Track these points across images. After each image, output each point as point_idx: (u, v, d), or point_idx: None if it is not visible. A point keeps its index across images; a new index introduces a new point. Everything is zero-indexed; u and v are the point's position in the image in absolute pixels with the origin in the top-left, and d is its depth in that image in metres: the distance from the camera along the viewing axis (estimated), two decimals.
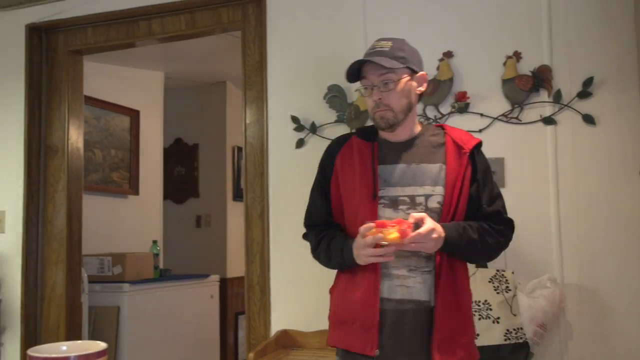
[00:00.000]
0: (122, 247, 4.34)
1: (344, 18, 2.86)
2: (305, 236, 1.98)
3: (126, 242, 4.48)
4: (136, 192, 4.78)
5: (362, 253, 1.69)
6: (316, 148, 2.83)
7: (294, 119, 2.87)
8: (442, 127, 1.89)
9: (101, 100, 4.45)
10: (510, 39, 2.61)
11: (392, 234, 1.59)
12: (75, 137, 3.51)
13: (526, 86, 2.55)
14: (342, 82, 2.79)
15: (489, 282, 2.36)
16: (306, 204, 1.97)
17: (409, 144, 1.83)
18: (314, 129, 2.85)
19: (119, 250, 4.18)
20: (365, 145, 1.85)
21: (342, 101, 2.80)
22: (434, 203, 1.75)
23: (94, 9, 3.28)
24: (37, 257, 3.43)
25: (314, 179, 2.78)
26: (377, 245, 1.66)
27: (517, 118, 2.59)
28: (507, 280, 2.36)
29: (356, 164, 1.83)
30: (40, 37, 3.49)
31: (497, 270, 2.39)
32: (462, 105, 2.63)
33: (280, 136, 2.93)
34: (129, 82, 4.80)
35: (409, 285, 1.74)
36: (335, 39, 2.87)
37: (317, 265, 2.77)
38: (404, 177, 1.78)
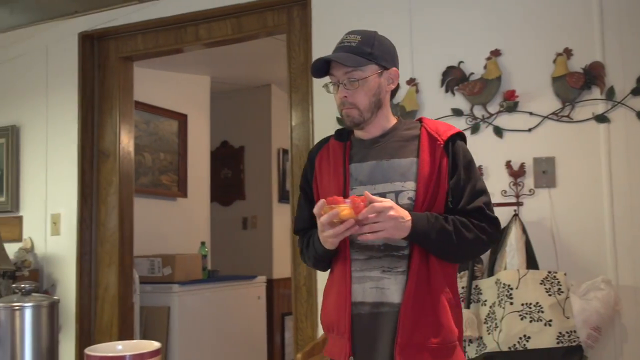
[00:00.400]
0: (172, 248, 4.43)
1: (390, 18, 2.85)
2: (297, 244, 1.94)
3: (175, 243, 4.57)
4: (184, 194, 4.87)
5: (323, 235, 1.61)
6: None
7: (340, 121, 2.88)
8: (420, 120, 1.79)
9: (150, 105, 4.56)
10: (560, 35, 2.56)
11: (345, 210, 1.51)
12: (126, 141, 3.60)
13: (577, 83, 2.49)
14: None
15: (540, 284, 2.31)
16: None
17: (380, 140, 1.75)
18: None
19: (168, 252, 4.27)
20: (338, 146, 1.80)
21: None
22: (404, 199, 1.65)
23: (144, 16, 3.37)
24: (91, 258, 3.53)
25: None
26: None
27: (568, 116, 2.53)
28: (559, 282, 2.31)
29: (330, 165, 1.78)
30: (93, 45, 3.60)
31: (549, 272, 2.34)
32: (511, 104, 2.59)
33: None
34: (177, 87, 4.89)
35: (383, 287, 1.64)
36: None
37: None
38: (374, 175, 1.70)
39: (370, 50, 1.69)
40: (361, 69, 1.68)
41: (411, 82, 2.76)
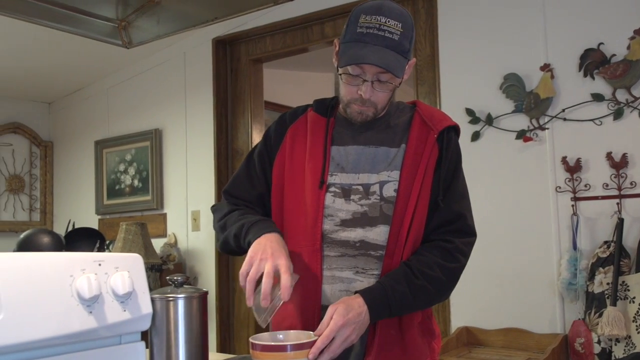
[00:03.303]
0: None
1: (521, 2, 2.73)
2: (213, 207, 1.61)
3: None
4: None
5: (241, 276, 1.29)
6: (493, 140, 2.75)
7: (469, 112, 2.81)
8: (414, 104, 1.55)
9: (278, 104, 4.70)
10: None
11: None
12: (258, 140, 3.74)
13: None
14: (520, 70, 2.69)
15: None
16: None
17: (372, 124, 1.48)
18: (490, 120, 2.76)
19: None
20: (319, 121, 1.52)
21: (520, 90, 2.69)
22: (390, 191, 1.41)
23: (272, 19, 3.48)
24: None
25: (490, 174, 2.73)
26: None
27: None
28: None
29: (307, 142, 1.50)
30: (225, 49, 3.78)
31: None
32: None
33: None
34: (303, 85, 5.01)
35: (355, 291, 1.38)
36: (512, 25, 2.76)
37: (497, 259, 2.70)
38: (359, 162, 1.45)
39: (408, 47, 1.40)
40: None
41: (545, 67, 2.62)
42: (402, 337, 1.40)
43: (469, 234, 1.44)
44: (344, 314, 1.24)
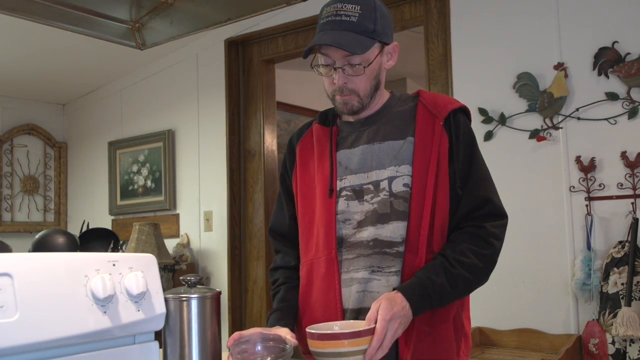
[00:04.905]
0: None
1: (534, 1, 2.72)
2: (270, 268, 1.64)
3: None
4: None
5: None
6: (507, 140, 2.74)
7: (482, 111, 2.79)
8: (417, 93, 1.51)
9: (290, 104, 4.70)
10: None
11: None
12: (270, 140, 3.75)
13: None
14: (533, 69, 2.68)
15: None
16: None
17: (372, 120, 1.48)
18: (503, 120, 2.75)
19: None
20: (323, 131, 1.54)
21: (533, 89, 2.67)
22: (399, 186, 1.39)
23: (284, 19, 3.48)
24: (240, 253, 3.72)
25: (504, 173, 2.71)
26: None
27: None
28: None
29: (315, 154, 1.52)
30: (237, 50, 3.79)
31: None
32: None
33: None
34: (315, 86, 5.00)
35: (372, 291, 1.37)
36: (525, 24, 2.74)
37: (511, 260, 2.68)
38: (366, 160, 1.44)
39: (373, 27, 1.39)
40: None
41: (559, 66, 2.61)
42: (433, 330, 1.37)
43: (499, 216, 1.42)
44: (390, 308, 1.22)
